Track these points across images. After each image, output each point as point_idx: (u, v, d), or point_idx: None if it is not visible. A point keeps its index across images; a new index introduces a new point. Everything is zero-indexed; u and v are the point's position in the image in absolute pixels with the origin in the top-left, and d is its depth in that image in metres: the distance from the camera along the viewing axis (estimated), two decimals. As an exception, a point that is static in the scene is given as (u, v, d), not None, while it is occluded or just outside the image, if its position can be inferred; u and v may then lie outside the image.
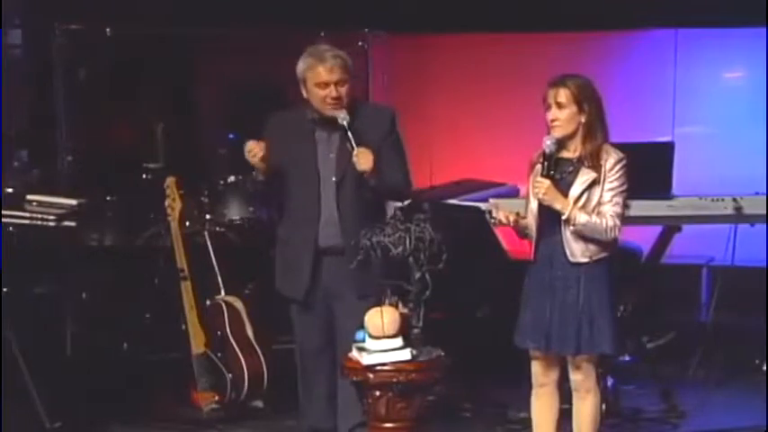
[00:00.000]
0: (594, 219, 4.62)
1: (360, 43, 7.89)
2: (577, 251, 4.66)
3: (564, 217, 4.63)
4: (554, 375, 4.86)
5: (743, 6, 7.10)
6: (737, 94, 7.72)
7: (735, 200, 6.11)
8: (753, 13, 7.10)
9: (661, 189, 6.11)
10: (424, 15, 7.91)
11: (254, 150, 4.89)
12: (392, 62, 8.25)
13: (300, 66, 4.97)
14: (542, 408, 4.90)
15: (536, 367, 4.86)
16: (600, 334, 4.68)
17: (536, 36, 7.91)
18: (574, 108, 4.65)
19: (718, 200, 6.14)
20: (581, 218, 4.61)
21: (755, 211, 6.13)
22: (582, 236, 4.65)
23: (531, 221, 4.75)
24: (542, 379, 4.86)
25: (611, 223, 4.63)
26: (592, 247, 4.66)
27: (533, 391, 4.90)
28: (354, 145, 4.83)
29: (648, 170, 5.71)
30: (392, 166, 5.00)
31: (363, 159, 4.82)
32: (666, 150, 6.32)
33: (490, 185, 6.98)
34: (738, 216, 6.11)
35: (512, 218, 4.74)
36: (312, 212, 4.95)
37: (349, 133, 4.86)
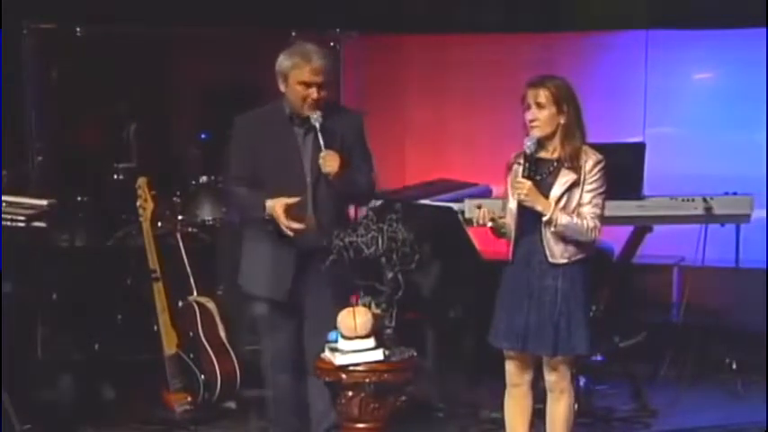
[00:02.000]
0: (575, 220, 4.64)
1: (332, 44, 7.89)
2: (557, 252, 4.67)
3: (545, 218, 4.63)
4: (528, 375, 4.87)
5: (717, 8, 7.16)
6: (708, 96, 7.76)
7: (705, 200, 6.15)
8: (725, 15, 7.16)
9: (632, 189, 6.14)
10: (396, 15, 7.91)
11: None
12: (364, 62, 8.25)
13: (285, 62, 4.95)
14: (515, 408, 4.90)
15: (510, 367, 4.86)
16: (576, 335, 4.69)
17: (508, 37, 7.93)
18: (553, 109, 4.66)
19: (688, 200, 6.18)
20: (563, 219, 4.62)
21: (725, 211, 6.17)
22: (562, 237, 4.66)
23: (509, 221, 4.76)
24: (516, 379, 4.86)
25: (591, 224, 4.65)
26: (571, 248, 4.68)
27: (507, 391, 4.91)
28: (323, 147, 4.85)
29: (620, 170, 5.73)
30: (360, 170, 5.03)
31: (329, 162, 4.84)
32: (638, 151, 6.35)
33: (463, 186, 6.99)
34: (709, 216, 6.15)
35: (487, 217, 4.74)
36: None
37: (320, 134, 4.87)
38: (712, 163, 7.46)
